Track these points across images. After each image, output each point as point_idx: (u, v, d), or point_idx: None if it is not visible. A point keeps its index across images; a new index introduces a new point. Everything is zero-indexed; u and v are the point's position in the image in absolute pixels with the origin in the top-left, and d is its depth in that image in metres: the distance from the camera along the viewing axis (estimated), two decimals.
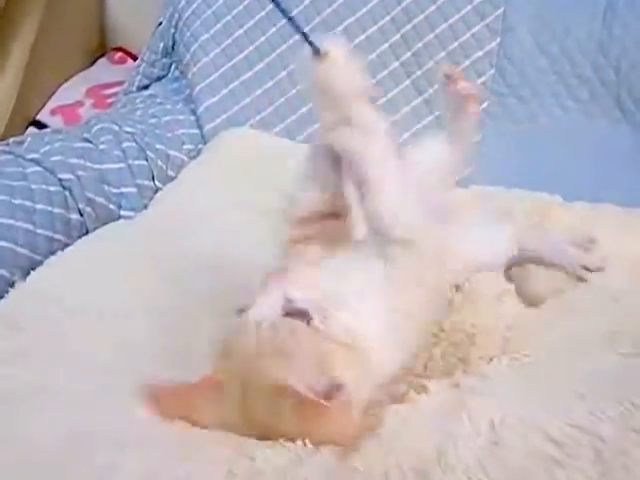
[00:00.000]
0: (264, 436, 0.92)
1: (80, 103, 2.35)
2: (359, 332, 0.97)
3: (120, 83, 2.30)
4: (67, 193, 1.58)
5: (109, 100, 2.32)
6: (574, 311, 1.19)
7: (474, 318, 1.17)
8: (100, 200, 1.63)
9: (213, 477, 0.87)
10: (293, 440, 0.91)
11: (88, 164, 1.66)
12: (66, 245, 1.50)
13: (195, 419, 0.94)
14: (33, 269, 1.39)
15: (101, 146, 1.73)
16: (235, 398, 0.92)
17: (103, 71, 2.51)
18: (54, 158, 1.63)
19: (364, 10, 1.91)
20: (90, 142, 1.73)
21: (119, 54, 2.57)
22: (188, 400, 0.95)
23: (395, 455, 0.86)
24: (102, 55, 2.59)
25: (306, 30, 0.99)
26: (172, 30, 2.11)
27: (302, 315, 0.95)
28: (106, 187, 1.67)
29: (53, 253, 1.45)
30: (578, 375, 1.00)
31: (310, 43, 0.97)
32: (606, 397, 0.92)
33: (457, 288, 1.23)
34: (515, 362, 1.08)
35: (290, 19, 1.00)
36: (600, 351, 1.06)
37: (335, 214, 1.03)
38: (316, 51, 0.97)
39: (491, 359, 1.10)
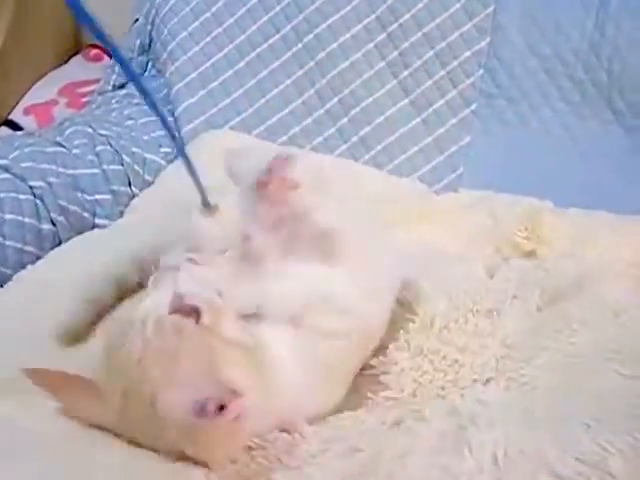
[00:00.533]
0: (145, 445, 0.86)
1: (54, 102, 2.28)
2: (264, 338, 0.91)
3: (95, 81, 2.23)
4: (38, 201, 1.51)
5: (84, 99, 2.25)
6: (573, 327, 1.14)
7: (459, 339, 1.11)
8: (74, 208, 1.57)
9: None
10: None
11: (60, 170, 1.59)
12: (37, 257, 1.44)
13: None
14: (1, 285, 1.34)
15: (74, 150, 1.66)
16: (115, 404, 0.86)
17: (78, 69, 2.44)
18: (24, 164, 1.56)
19: (348, 8, 1.85)
20: (63, 146, 1.66)
21: (94, 51, 2.50)
22: (68, 390, 0.90)
23: None
24: (77, 52, 2.52)
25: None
26: (149, 27, 2.04)
27: (193, 313, 0.88)
28: (80, 194, 1.60)
29: (23, 267, 1.40)
30: (580, 400, 0.97)
31: (202, 196, 0.97)
32: (613, 426, 0.87)
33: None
34: (513, 383, 1.04)
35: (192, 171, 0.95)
36: (602, 371, 1.02)
37: None
38: (206, 203, 0.96)
39: (488, 380, 1.05)
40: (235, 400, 0.80)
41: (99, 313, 1.17)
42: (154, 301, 0.90)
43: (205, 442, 0.82)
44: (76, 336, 1.13)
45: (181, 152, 0.94)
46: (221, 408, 0.79)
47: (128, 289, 1.20)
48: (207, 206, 0.98)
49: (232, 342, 0.87)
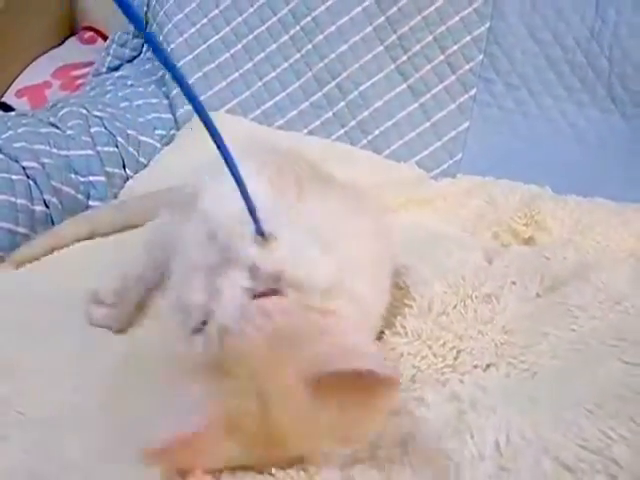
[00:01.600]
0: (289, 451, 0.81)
1: (47, 84, 2.27)
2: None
3: (90, 64, 2.22)
4: (31, 182, 1.48)
5: (78, 81, 2.24)
6: (574, 313, 1.12)
7: (458, 324, 1.09)
8: (67, 190, 1.54)
9: None
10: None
11: (54, 151, 1.57)
12: (30, 239, 1.41)
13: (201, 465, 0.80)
14: None
15: (68, 131, 1.64)
16: (250, 427, 0.78)
17: (72, 51, 2.43)
18: (17, 144, 1.53)
19: None
20: (56, 127, 1.64)
21: (89, 33, 2.49)
22: (191, 449, 0.79)
23: None
24: (71, 34, 2.51)
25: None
26: (144, 8, 2.03)
27: (272, 293, 0.83)
28: (73, 176, 1.58)
29: (15, 248, 1.37)
30: (582, 386, 0.95)
31: (256, 221, 0.84)
32: (615, 412, 0.86)
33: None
34: (513, 369, 1.02)
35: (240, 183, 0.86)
36: (603, 358, 1.00)
37: None
38: (260, 232, 0.86)
39: (488, 366, 1.03)
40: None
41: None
42: (228, 302, 0.82)
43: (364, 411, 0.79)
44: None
45: (232, 168, 0.79)
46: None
47: None
48: (261, 235, 0.86)
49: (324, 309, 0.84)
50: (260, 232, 0.84)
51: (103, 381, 1.01)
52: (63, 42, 2.47)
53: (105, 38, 2.34)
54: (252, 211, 0.82)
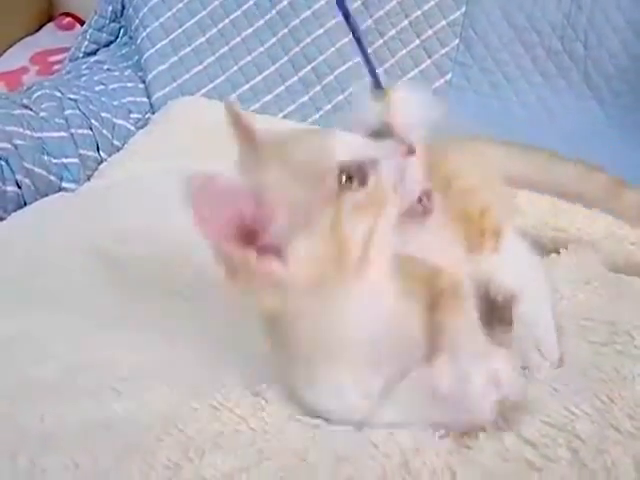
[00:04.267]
0: None
1: (25, 69, 2.26)
2: None
3: (67, 50, 2.21)
4: (3, 163, 1.49)
5: (55, 67, 2.23)
6: None
7: None
8: (39, 171, 1.54)
9: None
10: None
11: (27, 132, 1.57)
12: (1, 219, 1.42)
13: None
14: None
15: (42, 113, 1.64)
16: None
17: (50, 37, 2.42)
18: None
19: None
20: (30, 109, 1.63)
21: (67, 19, 2.48)
22: None
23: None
24: (49, 20, 2.49)
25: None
26: None
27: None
28: (46, 157, 1.57)
29: None
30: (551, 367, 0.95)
31: (374, 75, 0.89)
32: (580, 390, 0.86)
33: None
34: None
35: (362, 49, 0.90)
36: (571, 337, 1.00)
37: None
38: (377, 85, 0.89)
39: None
40: None
41: None
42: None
43: None
44: None
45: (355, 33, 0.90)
46: None
47: None
48: (378, 88, 0.89)
49: None
50: (378, 85, 0.89)
51: None
52: (41, 28, 2.46)
53: (82, 24, 2.32)
54: (369, 62, 0.89)
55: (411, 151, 0.78)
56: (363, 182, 0.75)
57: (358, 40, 0.90)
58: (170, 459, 0.77)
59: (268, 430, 0.83)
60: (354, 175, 0.75)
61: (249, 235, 0.73)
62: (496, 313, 0.99)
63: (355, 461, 0.77)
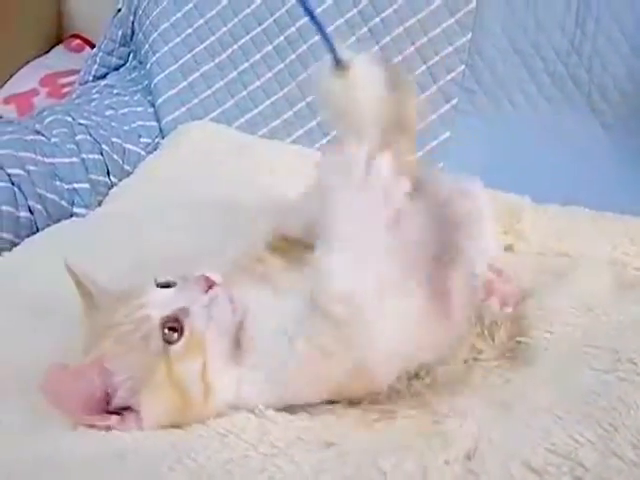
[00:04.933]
0: None
1: (35, 92, 2.28)
2: None
3: (76, 72, 2.23)
4: (16, 189, 1.50)
5: (65, 89, 2.26)
6: (546, 319, 1.14)
7: None
8: (51, 197, 1.56)
9: None
10: None
11: (39, 158, 1.59)
12: (14, 245, 1.43)
13: None
14: None
15: (53, 139, 1.65)
16: None
17: (59, 59, 2.44)
18: (2, 152, 1.55)
19: (330, 2, 1.86)
20: (42, 135, 1.65)
21: (76, 41, 2.50)
22: None
23: None
24: (58, 42, 2.52)
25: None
26: (131, 17, 2.05)
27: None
28: (58, 183, 1.59)
29: None
30: (552, 392, 0.96)
31: (334, 52, 0.92)
32: (583, 418, 0.87)
33: None
34: (489, 374, 1.04)
35: (317, 24, 0.92)
36: (574, 364, 1.02)
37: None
38: (338, 62, 0.91)
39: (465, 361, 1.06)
40: None
41: None
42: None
43: None
44: None
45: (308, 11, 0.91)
46: None
47: None
48: (339, 64, 0.93)
49: None
50: (338, 61, 0.92)
51: None
52: (50, 50, 2.48)
53: (92, 46, 2.34)
54: (326, 38, 0.92)
55: (210, 285, 0.90)
56: (181, 331, 0.87)
57: (314, 19, 0.91)
58: None
59: (277, 454, 0.84)
60: (174, 327, 0.87)
61: (102, 403, 0.86)
62: None
63: None
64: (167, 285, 0.91)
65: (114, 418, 0.86)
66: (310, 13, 0.91)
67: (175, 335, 0.86)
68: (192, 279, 0.91)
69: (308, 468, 0.81)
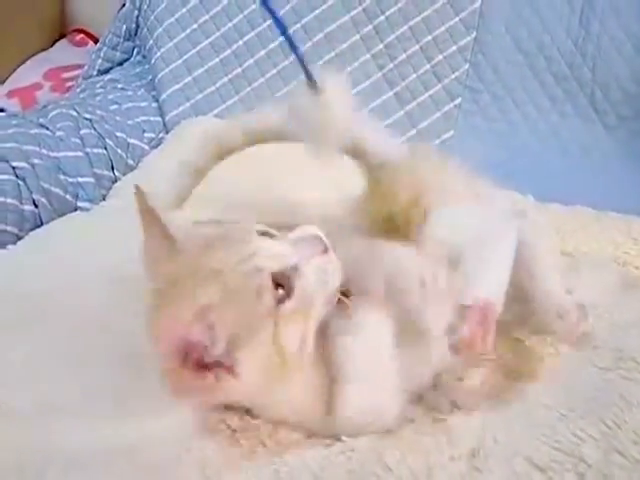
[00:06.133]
0: None
1: (38, 85, 2.28)
2: None
3: (80, 66, 2.24)
4: (20, 182, 1.50)
5: (68, 83, 2.25)
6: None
7: None
8: (56, 190, 1.55)
9: None
10: None
11: (44, 151, 1.58)
12: (18, 238, 1.43)
13: None
14: None
15: (58, 133, 1.65)
16: None
17: (63, 53, 2.44)
18: (7, 145, 1.55)
19: None
20: (47, 128, 1.65)
21: (80, 36, 2.50)
22: None
23: None
24: (62, 36, 2.52)
25: None
26: (136, 12, 2.06)
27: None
28: (62, 176, 1.59)
29: (4, 246, 1.38)
30: (556, 390, 0.96)
31: (308, 75, 0.91)
32: (586, 415, 0.88)
33: None
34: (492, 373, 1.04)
35: (292, 46, 0.92)
36: (577, 362, 1.02)
37: None
38: (313, 85, 0.92)
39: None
40: None
41: None
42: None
43: None
44: None
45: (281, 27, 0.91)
46: None
47: None
48: (312, 83, 0.92)
49: None
50: (311, 80, 0.91)
51: None
52: (54, 44, 2.48)
53: (95, 40, 2.35)
54: (301, 59, 0.90)
55: (326, 250, 0.85)
56: (290, 290, 0.82)
57: (289, 40, 0.91)
58: (189, 478, 0.79)
59: (284, 450, 0.85)
60: (283, 284, 0.81)
61: (199, 358, 0.78)
62: None
63: None
64: (266, 234, 0.86)
65: (211, 375, 0.79)
66: (284, 33, 0.92)
67: (282, 294, 0.81)
68: (306, 236, 0.86)
69: (314, 463, 0.82)
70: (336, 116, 0.95)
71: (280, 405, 0.88)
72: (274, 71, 1.88)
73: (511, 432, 0.86)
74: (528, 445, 0.83)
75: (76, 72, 2.25)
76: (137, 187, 0.88)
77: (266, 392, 0.84)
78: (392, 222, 1.02)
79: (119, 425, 0.88)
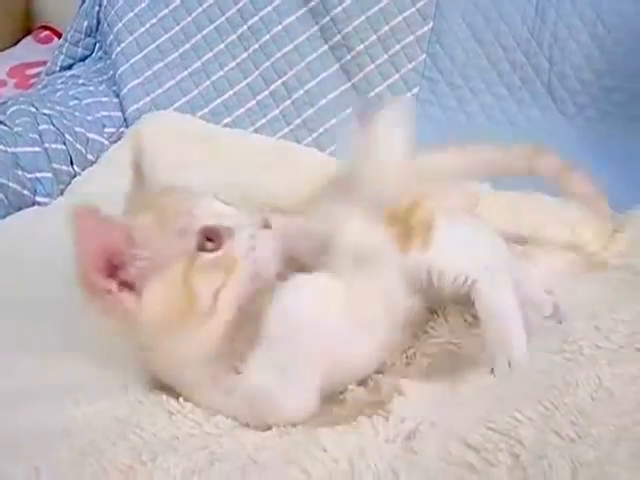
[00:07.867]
0: None
1: (2, 82, 2.27)
2: None
3: (45, 63, 2.22)
4: None
5: (33, 80, 2.24)
6: None
7: None
8: (13, 186, 1.56)
9: None
10: None
11: (1, 147, 1.59)
12: None
13: None
14: None
15: (16, 128, 1.66)
16: None
17: (27, 50, 2.43)
18: None
19: None
20: (4, 124, 1.65)
21: (45, 33, 2.49)
22: None
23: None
24: (27, 34, 2.51)
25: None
26: (96, 8, 2.05)
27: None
28: (20, 172, 1.59)
29: None
30: (500, 374, 0.97)
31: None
32: (526, 396, 0.89)
33: None
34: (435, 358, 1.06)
35: None
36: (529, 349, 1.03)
37: None
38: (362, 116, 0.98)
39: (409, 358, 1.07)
40: None
41: None
42: None
43: None
44: None
45: None
46: None
47: None
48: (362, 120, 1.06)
49: None
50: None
51: None
52: (19, 41, 2.47)
53: (60, 37, 2.34)
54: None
55: (267, 225, 0.92)
56: (218, 246, 0.88)
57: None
58: (124, 462, 0.80)
59: (221, 434, 0.86)
60: (212, 238, 0.88)
61: (113, 268, 0.86)
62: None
63: (304, 464, 0.80)
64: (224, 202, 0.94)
65: (115, 285, 0.86)
66: None
67: (210, 246, 0.88)
68: (255, 213, 0.94)
69: (250, 445, 0.83)
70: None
71: (175, 351, 0.89)
72: (233, 64, 1.88)
73: (449, 416, 0.87)
74: (464, 427, 0.84)
75: (41, 69, 2.24)
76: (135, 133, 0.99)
77: (164, 331, 0.87)
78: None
79: (58, 409, 0.89)
